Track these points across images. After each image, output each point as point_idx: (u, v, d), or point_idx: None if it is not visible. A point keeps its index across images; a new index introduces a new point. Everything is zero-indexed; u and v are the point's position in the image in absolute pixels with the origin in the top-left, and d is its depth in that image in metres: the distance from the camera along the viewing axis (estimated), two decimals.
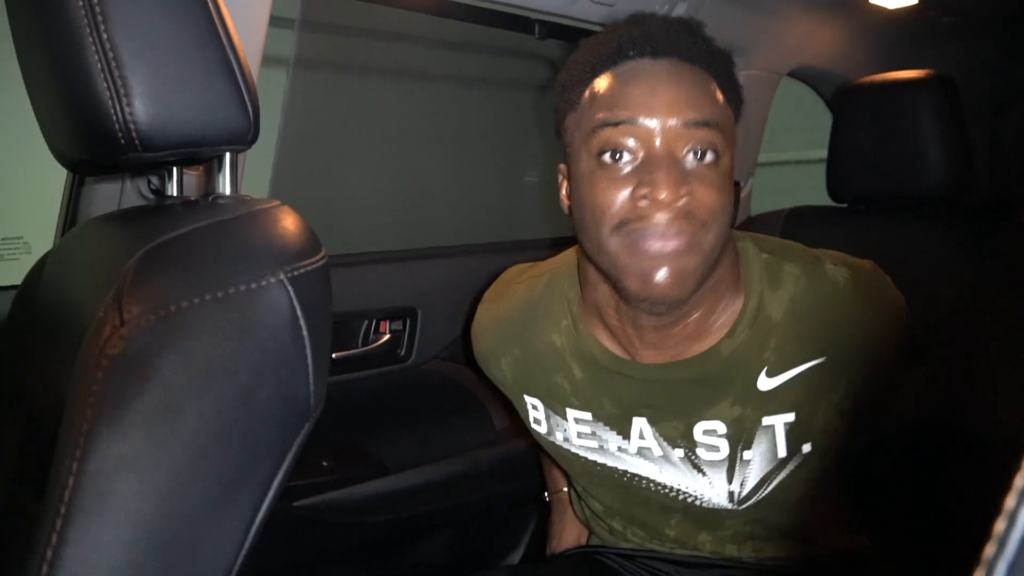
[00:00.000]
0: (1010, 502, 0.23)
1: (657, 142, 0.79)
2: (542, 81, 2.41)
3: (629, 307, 0.87)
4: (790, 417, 0.90)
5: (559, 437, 1.03)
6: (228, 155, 0.72)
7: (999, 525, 0.23)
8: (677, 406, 0.92)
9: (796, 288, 0.89)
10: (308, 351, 0.57)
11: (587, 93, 0.85)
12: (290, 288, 0.57)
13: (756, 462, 0.92)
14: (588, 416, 0.98)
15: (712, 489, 0.95)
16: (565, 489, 1.25)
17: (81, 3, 0.58)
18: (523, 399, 1.05)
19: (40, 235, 1.27)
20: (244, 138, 0.67)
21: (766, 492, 0.94)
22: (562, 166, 0.92)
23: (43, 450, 0.56)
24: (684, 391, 0.91)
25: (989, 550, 0.22)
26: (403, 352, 1.36)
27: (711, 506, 0.96)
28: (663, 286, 0.79)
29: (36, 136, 0.76)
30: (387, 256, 1.40)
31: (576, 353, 0.97)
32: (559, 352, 0.98)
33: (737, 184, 1.78)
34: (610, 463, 1.00)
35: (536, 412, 1.04)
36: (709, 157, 0.80)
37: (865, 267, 0.94)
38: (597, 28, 1.48)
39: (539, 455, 1.41)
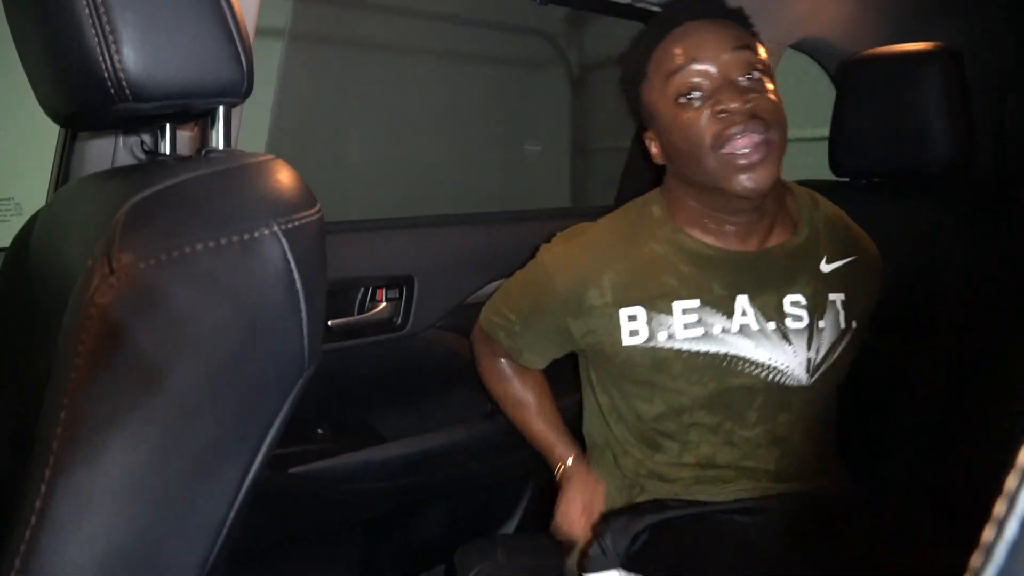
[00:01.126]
0: (1011, 482, 0.22)
1: (715, 71, 1.04)
2: (540, 58, 2.39)
3: (722, 209, 1.10)
4: (843, 296, 1.17)
5: (662, 338, 1.12)
6: (221, 109, 0.70)
7: (999, 507, 0.22)
8: (769, 283, 1.14)
9: (827, 210, 1.22)
10: (302, 304, 0.56)
11: (652, 60, 1.11)
12: (284, 240, 0.56)
13: (827, 331, 1.15)
14: (696, 303, 1.13)
15: (796, 358, 1.13)
16: (571, 461, 1.28)
17: None
18: (618, 315, 1.14)
19: (32, 197, 1.25)
20: (238, 90, 0.66)
21: (831, 361, 1.15)
22: (649, 132, 1.16)
23: (38, 412, 0.55)
24: (774, 271, 1.14)
25: (988, 533, 0.22)
26: (400, 321, 1.35)
27: (791, 380, 1.13)
28: (755, 180, 1.02)
29: (28, 97, 0.75)
30: (384, 224, 1.39)
31: (680, 253, 1.14)
32: (663, 258, 1.14)
33: None
34: (712, 348, 1.12)
35: (634, 323, 1.14)
36: (757, 74, 1.05)
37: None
38: None
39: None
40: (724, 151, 1.02)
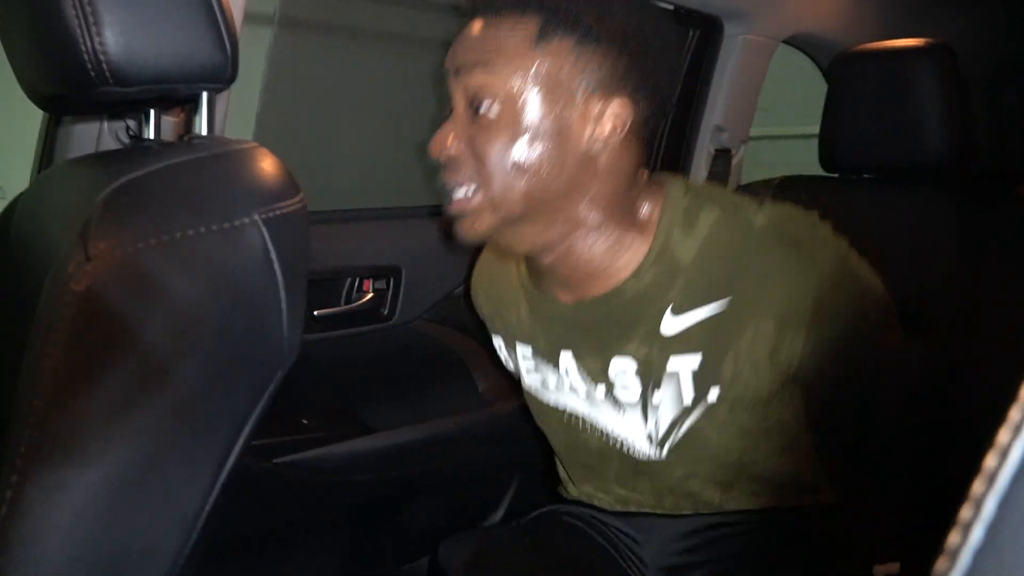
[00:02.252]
0: (991, 461, 0.22)
1: (453, 98, 0.86)
2: None
3: None
4: (696, 359, 0.89)
5: (520, 372, 1.08)
6: (205, 95, 0.69)
7: (977, 486, 0.22)
8: (593, 342, 0.95)
9: (710, 231, 0.87)
10: (283, 294, 0.55)
11: None
12: (264, 230, 0.55)
13: (665, 404, 0.93)
14: (530, 350, 1.03)
15: (632, 430, 0.97)
16: None
17: None
18: (494, 338, 1.12)
19: (16, 182, 1.24)
20: (222, 76, 0.65)
21: (680, 436, 0.94)
22: None
23: (12, 396, 0.55)
24: (597, 328, 0.93)
25: (966, 512, 0.22)
26: (387, 311, 1.34)
27: (638, 452, 0.98)
28: (463, 235, 0.87)
29: (11, 83, 0.74)
30: (372, 214, 1.38)
31: (523, 292, 1.02)
32: (515, 290, 1.04)
33: (728, 151, 1.76)
34: (551, 400, 1.03)
35: (502, 351, 1.12)
36: (484, 109, 0.82)
37: (802, 218, 0.90)
38: None
39: (521, 419, 1.40)
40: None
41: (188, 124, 1.02)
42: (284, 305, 0.56)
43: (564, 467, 1.15)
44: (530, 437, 1.42)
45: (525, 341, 1.03)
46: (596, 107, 0.83)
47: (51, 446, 0.48)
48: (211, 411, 0.53)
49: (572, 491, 1.15)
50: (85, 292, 0.49)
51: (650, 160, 1.80)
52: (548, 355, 1.00)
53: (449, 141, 0.84)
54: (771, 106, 1.95)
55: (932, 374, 1.34)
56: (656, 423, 0.94)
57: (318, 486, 1.28)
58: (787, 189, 1.59)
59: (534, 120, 0.82)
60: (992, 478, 0.21)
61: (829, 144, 1.53)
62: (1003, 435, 0.22)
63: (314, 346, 0.62)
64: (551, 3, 0.82)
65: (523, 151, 0.82)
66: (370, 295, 1.33)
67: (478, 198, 0.84)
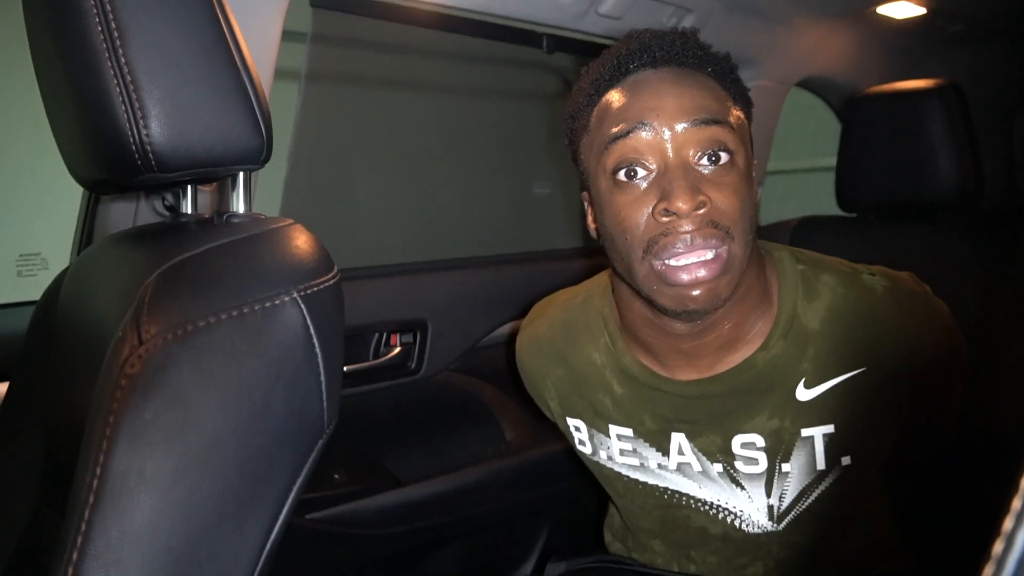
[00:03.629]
0: (1017, 503, 0.23)
1: (669, 150, 0.79)
2: (553, 92, 2.42)
3: (662, 321, 0.87)
4: (829, 429, 0.88)
5: (603, 456, 1.03)
6: (241, 175, 0.73)
7: (997, 546, 0.23)
8: (714, 420, 0.91)
9: (833, 298, 0.88)
10: (321, 368, 0.58)
11: (595, 113, 0.86)
12: (303, 306, 0.58)
13: (795, 475, 0.91)
14: (629, 432, 0.98)
15: (752, 504, 0.94)
16: None
17: (99, 26, 0.60)
18: (567, 422, 1.06)
19: (57, 252, 1.29)
20: (257, 157, 0.69)
21: (805, 505, 0.92)
22: (584, 193, 0.92)
23: (67, 471, 0.57)
24: (721, 405, 0.90)
25: (988, 571, 0.23)
26: (414, 365, 1.37)
27: (752, 526, 0.95)
28: (698, 301, 0.79)
29: (53, 153, 0.78)
30: (397, 269, 1.41)
31: (615, 369, 0.97)
32: (599, 369, 0.99)
33: None
34: (651, 481, 0.99)
35: (580, 434, 1.05)
36: (723, 158, 0.79)
37: (904, 278, 0.93)
38: (604, 41, 1.49)
39: (549, 466, 1.41)
40: (659, 264, 0.79)
41: (222, 194, 1.06)
42: (323, 377, 0.59)
43: (632, 531, 1.10)
44: (560, 483, 1.43)
45: (624, 424, 0.98)
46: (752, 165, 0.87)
47: (108, 525, 0.50)
48: (256, 484, 0.56)
49: (621, 548, 1.13)
50: (139, 374, 0.52)
51: None
52: (655, 437, 0.96)
53: (700, 196, 0.77)
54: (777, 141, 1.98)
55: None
56: (782, 495, 0.92)
57: (350, 540, 1.30)
58: (806, 230, 1.61)
59: (748, 169, 0.83)
60: (1020, 516, 0.22)
61: (845, 184, 1.55)
62: (1017, 501, 0.23)
63: (344, 400, 0.64)
64: (726, 67, 0.86)
65: (748, 197, 0.81)
66: (397, 349, 1.36)
67: (728, 251, 0.79)
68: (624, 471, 1.01)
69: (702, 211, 0.77)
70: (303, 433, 0.58)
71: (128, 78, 0.61)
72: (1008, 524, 0.23)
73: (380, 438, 1.39)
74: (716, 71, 0.84)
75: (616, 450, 1.00)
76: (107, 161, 0.66)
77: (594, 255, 1.52)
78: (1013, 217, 1.66)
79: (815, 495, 0.91)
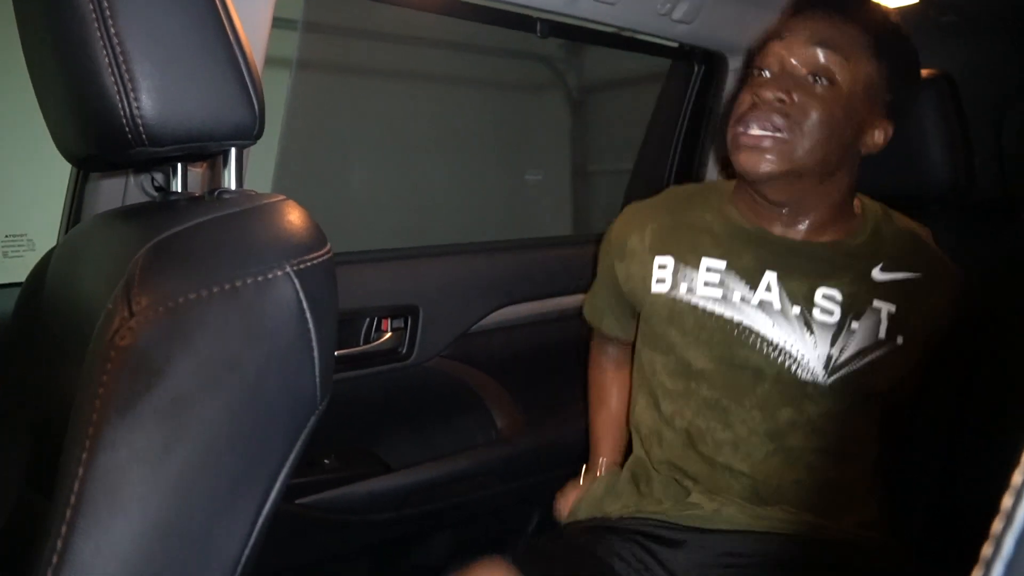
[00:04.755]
0: (1007, 501, 0.23)
1: (784, 59, 1.03)
2: (545, 81, 2.42)
3: (754, 192, 1.08)
4: (892, 307, 1.08)
5: (682, 290, 1.14)
6: (233, 150, 0.72)
7: (996, 524, 0.23)
8: (806, 270, 1.09)
9: (906, 226, 1.15)
10: (314, 343, 0.58)
11: (770, 36, 1.08)
12: (296, 281, 0.57)
13: (859, 334, 1.07)
14: (722, 265, 1.13)
15: (815, 350, 1.07)
16: (600, 462, 1.33)
17: (89, 0, 0.59)
18: (652, 261, 1.18)
19: (44, 232, 1.27)
20: (250, 133, 0.68)
21: (858, 366, 1.07)
22: None
23: (54, 453, 0.57)
24: (813, 261, 1.09)
25: (987, 549, 0.23)
26: (404, 350, 1.36)
27: (804, 373, 1.07)
28: (749, 167, 1.02)
29: (39, 133, 0.76)
30: (389, 254, 1.41)
31: (723, 221, 1.15)
32: (707, 223, 1.16)
33: None
34: (727, 313, 1.11)
35: (663, 271, 1.17)
36: (824, 82, 1.01)
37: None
38: (598, 26, 1.48)
39: (540, 454, 1.41)
40: (738, 128, 1.03)
41: (213, 173, 1.05)
42: (316, 352, 0.58)
43: (674, 410, 1.16)
44: (550, 471, 1.43)
45: (720, 256, 1.13)
46: (879, 119, 1.07)
47: (97, 497, 0.49)
48: (248, 459, 0.55)
49: (654, 442, 1.18)
50: (129, 347, 0.51)
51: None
52: (748, 272, 1.11)
53: (790, 91, 1.00)
54: None
55: (942, 398, 1.35)
56: (843, 349, 1.07)
57: (340, 525, 1.29)
58: None
59: (851, 107, 1.02)
60: (1009, 517, 0.22)
61: None
62: (1017, 476, 0.23)
63: (334, 385, 0.63)
64: (886, 28, 1.06)
65: (834, 125, 1.01)
66: (388, 334, 1.35)
67: (785, 144, 1.00)
68: (701, 303, 1.13)
69: (780, 102, 1.00)
70: (296, 409, 0.58)
71: (118, 50, 0.60)
72: (1008, 501, 0.23)
73: (370, 424, 1.39)
74: (867, 24, 1.04)
75: (701, 282, 1.13)
76: (97, 135, 0.65)
77: (585, 243, 1.51)
78: (1002, 209, 1.67)
79: (869, 359, 1.07)
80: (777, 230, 1.11)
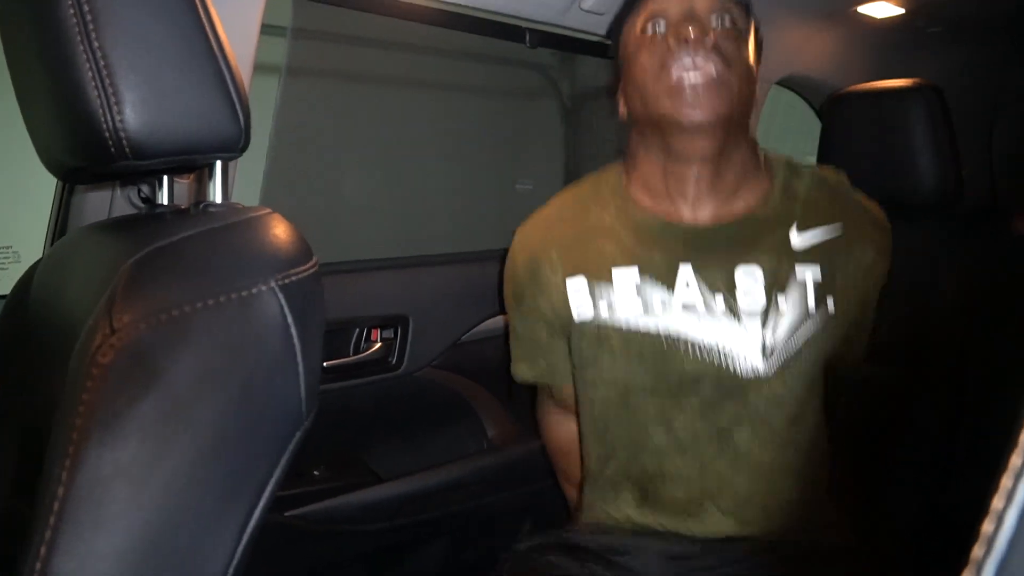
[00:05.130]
0: (997, 503, 0.23)
1: (686, 5, 0.99)
2: (536, 89, 2.42)
3: (674, 165, 1.04)
4: (816, 269, 1.03)
5: (603, 310, 1.08)
6: (219, 163, 0.72)
7: (987, 526, 0.23)
8: (720, 254, 1.04)
9: (813, 176, 1.10)
10: (299, 358, 0.57)
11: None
12: (281, 296, 0.57)
13: (788, 311, 1.02)
14: (635, 272, 1.06)
15: (747, 340, 1.02)
16: None
17: (73, 12, 0.59)
18: (566, 286, 1.11)
19: (30, 245, 1.26)
20: (235, 146, 0.67)
21: (794, 346, 1.02)
22: (619, 88, 1.11)
23: (39, 464, 0.56)
24: (728, 241, 1.04)
25: (977, 551, 0.23)
26: (395, 360, 1.36)
27: (743, 367, 1.02)
28: (701, 109, 0.96)
29: (25, 145, 0.76)
30: (378, 264, 1.40)
31: (626, 224, 1.09)
32: (608, 227, 1.10)
33: None
34: (652, 326, 1.05)
35: (578, 295, 1.10)
36: (728, 21, 0.99)
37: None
38: (587, 37, 1.49)
39: (536, 463, 1.40)
40: (671, 77, 0.97)
41: (200, 186, 1.05)
42: (301, 368, 0.58)
43: (614, 448, 1.12)
44: (541, 480, 1.43)
45: (629, 263, 1.07)
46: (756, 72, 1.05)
47: (79, 514, 0.49)
48: (233, 473, 0.55)
49: (592, 513, 1.15)
50: (111, 364, 0.51)
51: None
52: (661, 271, 1.05)
53: (709, 34, 0.97)
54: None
55: (932, 405, 1.35)
56: (775, 330, 1.02)
57: (331, 536, 1.28)
58: None
59: (748, 56, 1.02)
60: (1000, 518, 0.22)
61: None
62: (1007, 479, 0.23)
63: (324, 396, 0.63)
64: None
65: (746, 67, 1.01)
66: (378, 344, 1.34)
67: (723, 85, 0.97)
68: (622, 323, 1.06)
69: (707, 38, 0.97)
70: (282, 423, 0.57)
71: (102, 63, 0.60)
72: (998, 503, 0.23)
73: (361, 434, 1.38)
74: None
75: (619, 298, 1.07)
76: (81, 149, 0.64)
77: None
78: (991, 217, 1.68)
79: (805, 337, 1.02)
80: (685, 214, 1.06)
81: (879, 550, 1.13)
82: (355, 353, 1.32)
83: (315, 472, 1.28)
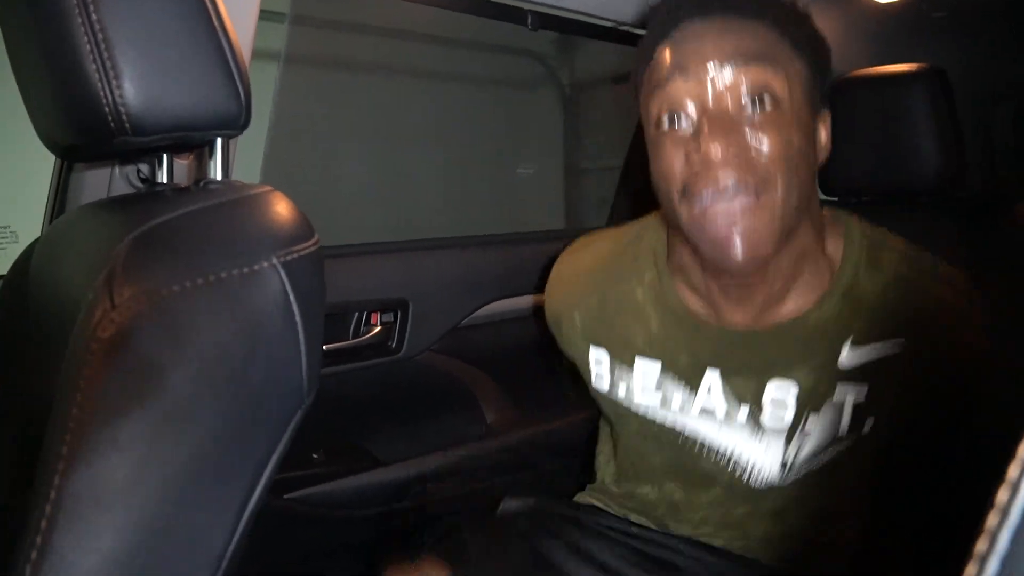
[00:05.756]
0: (1003, 495, 0.22)
1: (708, 95, 0.80)
2: (536, 77, 2.41)
3: (710, 269, 0.89)
4: (862, 390, 0.88)
5: (621, 391, 1.01)
6: (219, 141, 0.71)
7: (991, 519, 0.22)
8: (754, 363, 0.91)
9: (895, 274, 0.88)
10: (301, 335, 0.57)
11: (649, 67, 0.87)
12: (282, 272, 0.57)
13: (816, 433, 0.90)
14: (657, 367, 0.97)
15: (766, 455, 0.92)
16: None
17: None
18: (588, 352, 1.04)
19: (28, 224, 1.26)
20: (236, 123, 0.67)
21: (815, 466, 0.91)
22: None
23: (37, 448, 0.56)
24: (763, 353, 0.90)
25: (981, 545, 0.22)
26: (394, 344, 1.35)
27: (758, 480, 0.94)
28: (739, 252, 0.79)
29: (23, 124, 0.75)
30: (378, 248, 1.40)
31: (658, 306, 0.97)
32: (639, 304, 0.99)
33: None
34: (668, 421, 0.98)
35: (599, 367, 1.03)
36: (767, 102, 0.79)
37: (961, 275, 0.93)
38: (589, 20, 1.48)
39: (530, 448, 1.40)
40: (695, 210, 0.81)
41: (200, 165, 1.04)
42: (303, 345, 0.57)
43: (638, 480, 1.07)
44: (540, 466, 1.43)
45: (654, 357, 0.97)
46: (821, 116, 0.88)
47: (80, 492, 0.49)
48: (233, 453, 0.54)
49: (598, 494, 1.11)
50: (111, 338, 0.50)
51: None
52: (687, 373, 0.95)
53: (739, 132, 0.79)
54: None
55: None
56: (799, 450, 0.91)
57: (330, 520, 1.28)
58: None
59: (801, 122, 0.82)
60: (1005, 511, 0.22)
61: (827, 169, 1.54)
62: (1013, 470, 0.23)
63: (323, 380, 0.63)
64: (796, 22, 0.85)
65: (798, 147, 0.80)
66: (378, 328, 1.34)
67: (765, 209, 0.79)
68: (640, 410, 1.00)
69: (736, 154, 0.78)
70: (282, 401, 0.57)
71: (100, 37, 0.59)
72: (1003, 495, 0.23)
73: (360, 419, 1.38)
74: (774, 18, 0.83)
75: (638, 386, 0.99)
76: (79, 125, 0.64)
77: (577, 238, 1.51)
78: (993, 204, 1.67)
79: (830, 456, 0.91)
80: (722, 314, 0.92)
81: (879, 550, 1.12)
82: (354, 337, 1.32)
83: (314, 456, 1.28)
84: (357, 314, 1.32)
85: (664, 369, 0.97)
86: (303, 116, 1.84)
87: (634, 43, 1.65)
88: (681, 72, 0.81)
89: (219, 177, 0.71)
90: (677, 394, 0.96)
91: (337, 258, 1.31)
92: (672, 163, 0.82)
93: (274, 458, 0.57)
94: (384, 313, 1.35)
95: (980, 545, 0.22)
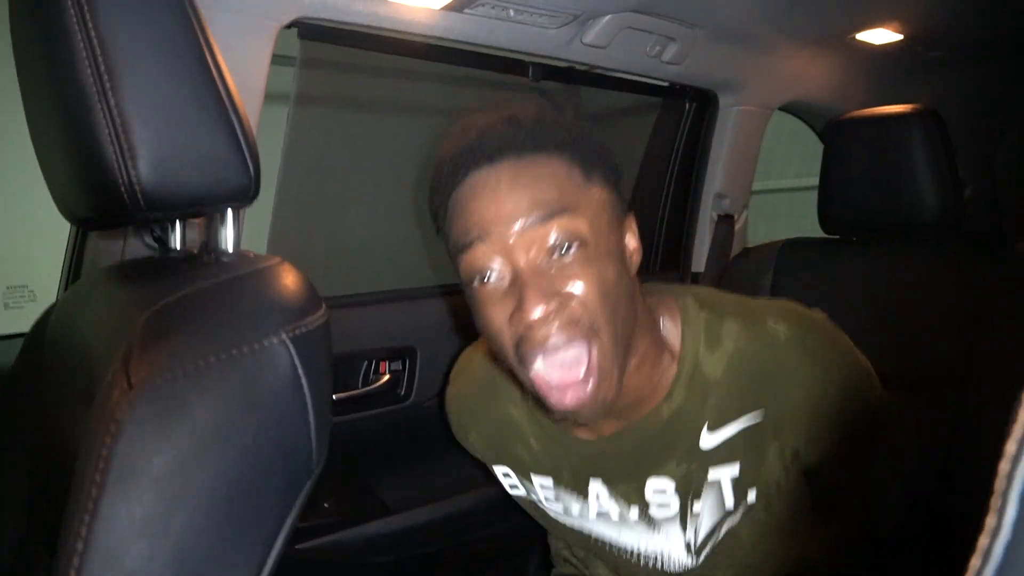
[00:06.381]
0: (997, 500, 0.24)
1: (515, 254, 0.77)
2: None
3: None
4: (735, 468, 0.90)
5: (534, 499, 1.08)
6: (230, 212, 0.73)
7: (983, 540, 0.23)
8: (627, 468, 0.94)
9: (736, 346, 0.88)
10: (310, 408, 0.59)
11: (447, 214, 0.84)
12: (291, 347, 0.58)
13: (706, 512, 0.94)
14: (550, 482, 1.02)
15: (669, 542, 0.98)
16: None
17: (90, 68, 0.60)
18: (494, 469, 1.11)
19: (45, 284, 1.29)
20: (246, 194, 0.69)
21: (719, 539, 0.96)
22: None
23: (53, 506, 0.57)
24: (632, 455, 0.93)
25: (984, 539, 0.23)
26: (403, 391, 1.37)
27: (672, 565, 0.99)
28: (583, 406, 0.79)
29: (41, 185, 0.78)
30: (385, 296, 1.42)
31: (532, 424, 1.01)
32: (517, 424, 1.02)
33: (731, 217, 1.80)
34: (575, 525, 1.05)
35: (510, 479, 1.09)
36: (574, 249, 0.77)
37: (813, 320, 0.92)
38: (589, 70, 1.51)
39: None
40: (530, 372, 0.79)
41: (210, 226, 1.06)
42: (312, 418, 0.59)
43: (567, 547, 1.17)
44: None
45: (544, 473, 1.01)
46: (627, 223, 0.86)
47: (97, 570, 0.50)
48: (247, 526, 0.56)
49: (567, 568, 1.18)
50: (129, 420, 0.52)
51: (654, 230, 1.84)
52: (574, 484, 0.99)
53: (552, 288, 0.77)
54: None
55: (934, 430, 1.35)
56: (696, 531, 0.95)
57: (341, 568, 1.29)
58: (791, 252, 1.63)
59: (610, 248, 0.81)
60: (995, 532, 0.23)
61: (827, 207, 1.57)
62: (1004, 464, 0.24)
63: (334, 428, 0.64)
64: (580, 142, 0.83)
65: (613, 277, 0.79)
66: (387, 376, 1.36)
67: (595, 352, 0.78)
68: (552, 515, 1.07)
69: (557, 311, 0.77)
70: (293, 474, 0.59)
71: (118, 120, 0.62)
72: (984, 541, 0.24)
73: (369, 466, 1.39)
74: (565, 149, 0.81)
75: (542, 496, 1.05)
76: (96, 200, 0.66)
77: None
78: (994, 240, 1.69)
79: (726, 529, 0.95)
80: (583, 430, 0.94)
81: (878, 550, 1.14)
82: (364, 385, 1.34)
83: (324, 504, 1.29)
84: (366, 362, 1.34)
85: (555, 483, 1.01)
86: (313, 158, 1.86)
87: (633, 89, 1.68)
88: (481, 237, 0.78)
89: (230, 246, 0.73)
90: (573, 504, 1.01)
91: (345, 308, 1.33)
92: (498, 323, 0.80)
93: (285, 528, 0.58)
94: (392, 361, 1.37)
95: (974, 561, 0.23)
